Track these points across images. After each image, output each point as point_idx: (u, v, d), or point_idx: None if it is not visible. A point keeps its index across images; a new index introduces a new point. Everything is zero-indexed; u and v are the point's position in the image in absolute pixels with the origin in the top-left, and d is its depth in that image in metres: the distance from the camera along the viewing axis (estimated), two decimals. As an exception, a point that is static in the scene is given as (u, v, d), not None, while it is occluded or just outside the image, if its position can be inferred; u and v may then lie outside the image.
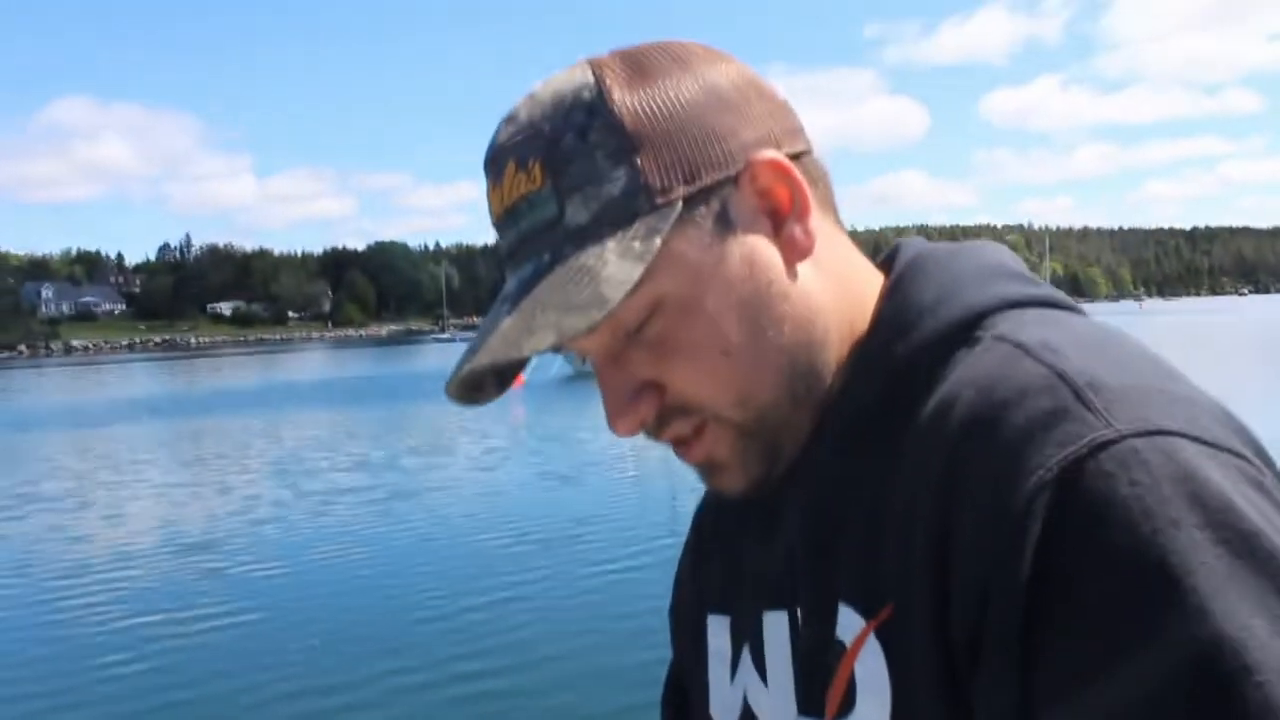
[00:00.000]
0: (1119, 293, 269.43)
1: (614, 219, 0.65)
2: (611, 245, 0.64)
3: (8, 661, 6.80)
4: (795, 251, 0.69)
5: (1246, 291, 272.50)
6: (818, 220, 0.71)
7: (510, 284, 0.68)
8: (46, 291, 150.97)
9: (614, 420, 0.69)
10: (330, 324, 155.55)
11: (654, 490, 11.41)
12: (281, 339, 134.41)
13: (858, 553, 0.67)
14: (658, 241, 0.64)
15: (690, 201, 0.66)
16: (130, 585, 8.51)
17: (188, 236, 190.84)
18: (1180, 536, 0.51)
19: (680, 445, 0.71)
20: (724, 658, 0.82)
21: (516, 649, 6.42)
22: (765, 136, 0.69)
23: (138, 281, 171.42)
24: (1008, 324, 0.67)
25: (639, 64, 0.68)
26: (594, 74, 0.68)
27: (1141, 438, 0.55)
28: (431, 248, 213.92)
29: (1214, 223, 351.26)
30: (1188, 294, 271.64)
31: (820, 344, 0.70)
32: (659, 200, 0.65)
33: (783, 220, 0.69)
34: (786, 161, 0.69)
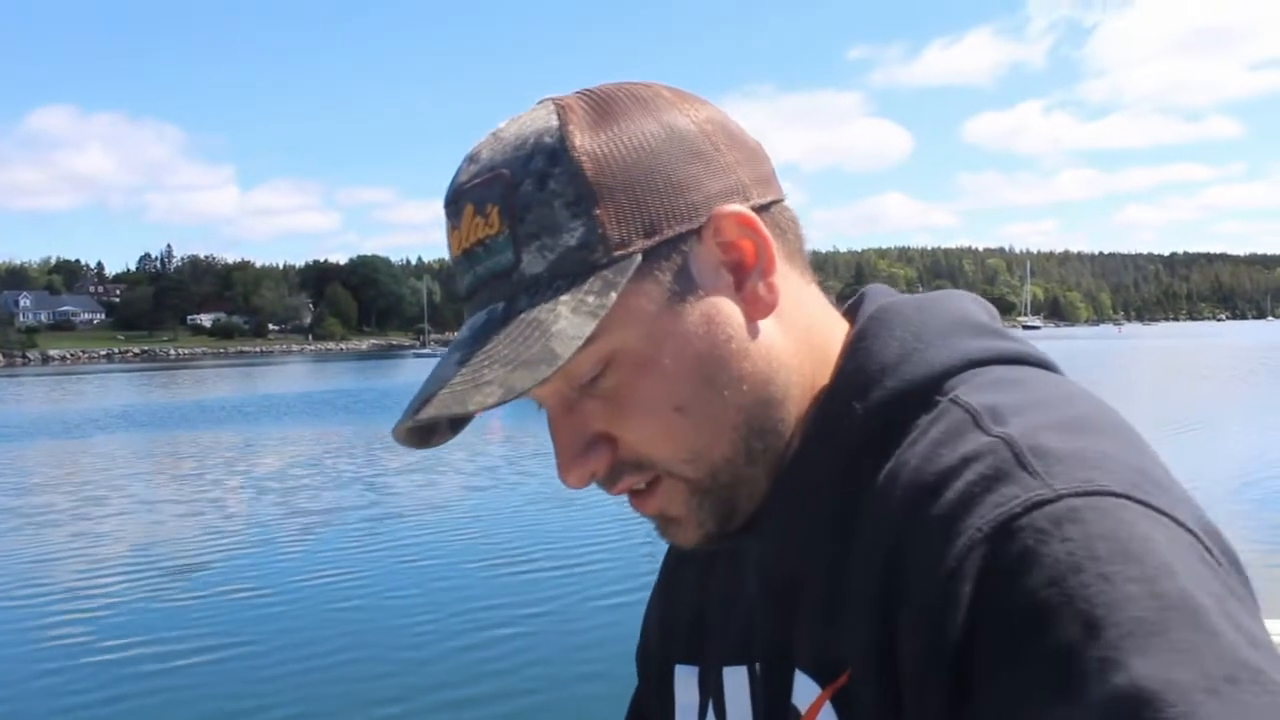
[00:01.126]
0: (1099, 317, 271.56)
1: (570, 271, 0.64)
2: (565, 299, 0.63)
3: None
4: (758, 308, 0.68)
5: (1224, 317, 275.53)
6: (784, 272, 0.70)
7: (464, 330, 0.67)
8: (24, 300, 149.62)
9: (565, 472, 0.68)
10: (311, 337, 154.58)
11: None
12: (261, 351, 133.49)
13: (815, 619, 0.67)
14: (613, 296, 0.63)
15: (650, 255, 0.65)
16: (99, 606, 8.41)
17: (169, 247, 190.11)
18: (1110, 590, 0.50)
19: (634, 497, 0.71)
20: (691, 711, 0.82)
21: (500, 674, 6.38)
22: (732, 187, 0.68)
23: (117, 292, 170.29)
24: (966, 386, 0.66)
25: (603, 107, 0.67)
26: (558, 117, 0.67)
27: (1080, 497, 0.54)
28: (414, 262, 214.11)
29: (1193, 249, 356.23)
30: (1166, 319, 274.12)
31: (779, 402, 0.69)
32: (617, 253, 0.64)
33: (746, 275, 0.68)
34: (752, 215, 0.67)
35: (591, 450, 0.68)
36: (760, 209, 0.69)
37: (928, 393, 0.67)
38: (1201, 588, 0.51)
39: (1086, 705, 0.48)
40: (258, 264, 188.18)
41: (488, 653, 6.79)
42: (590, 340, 0.63)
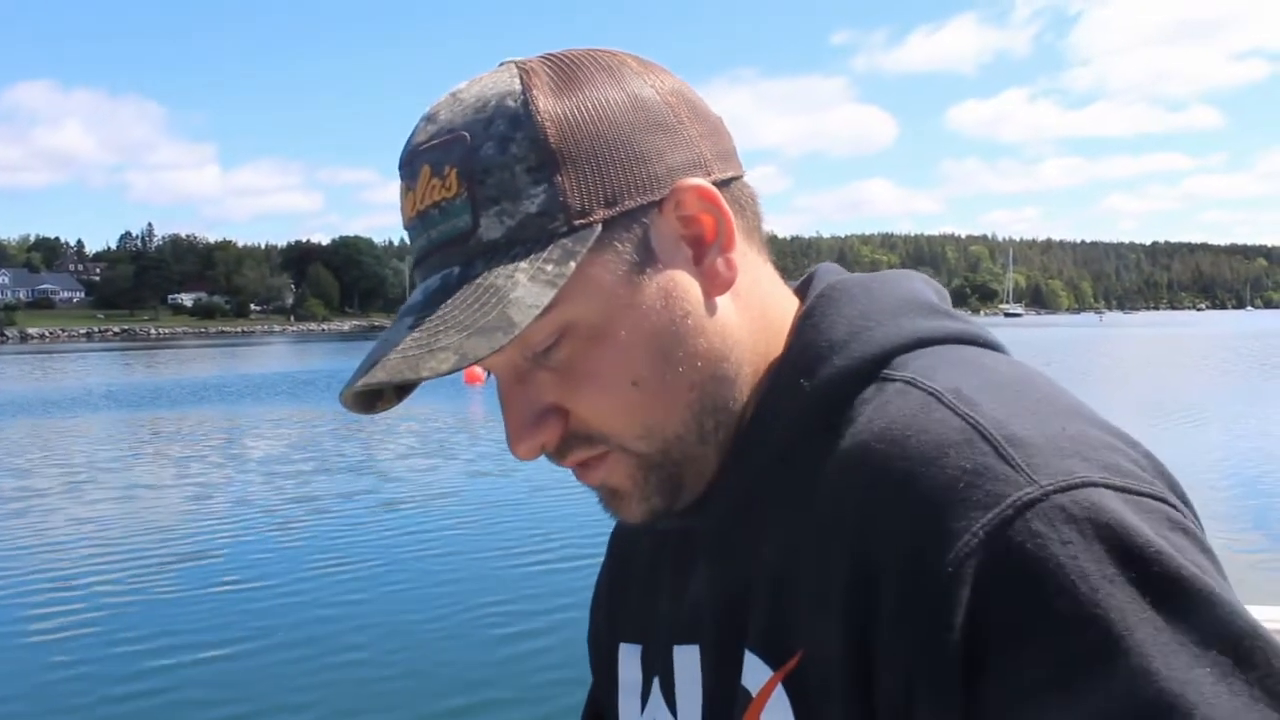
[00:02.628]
0: (1080, 306, 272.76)
1: (529, 238, 0.63)
2: (524, 266, 0.62)
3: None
4: (715, 283, 0.68)
5: (1204, 307, 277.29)
6: (742, 249, 0.70)
7: (416, 294, 0.66)
8: (3, 278, 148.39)
9: (514, 443, 0.67)
10: (293, 318, 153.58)
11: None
12: (243, 332, 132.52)
13: (765, 600, 0.66)
14: (572, 265, 0.62)
15: (610, 225, 0.64)
16: (86, 590, 8.34)
17: (150, 226, 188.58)
18: (1117, 594, 0.51)
19: (580, 468, 0.69)
20: (634, 689, 0.81)
21: (476, 655, 6.37)
22: (694, 160, 0.67)
23: (98, 270, 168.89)
24: (919, 364, 0.66)
25: (568, 73, 0.66)
26: (521, 81, 0.65)
27: (1065, 493, 0.54)
28: (397, 243, 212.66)
29: (1174, 238, 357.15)
30: (1147, 308, 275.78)
31: (732, 380, 0.69)
32: (577, 222, 0.63)
33: (705, 250, 0.67)
34: (713, 189, 0.66)
35: (542, 422, 0.66)
36: (721, 184, 0.68)
37: (876, 370, 0.67)
38: (1189, 560, 0.53)
39: (1113, 715, 0.48)
40: (240, 244, 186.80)
41: (487, 638, 6.75)
42: (547, 310, 0.61)
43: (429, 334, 0.61)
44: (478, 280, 0.62)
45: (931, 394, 0.62)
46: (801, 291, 0.77)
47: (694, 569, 0.75)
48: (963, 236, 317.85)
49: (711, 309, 0.67)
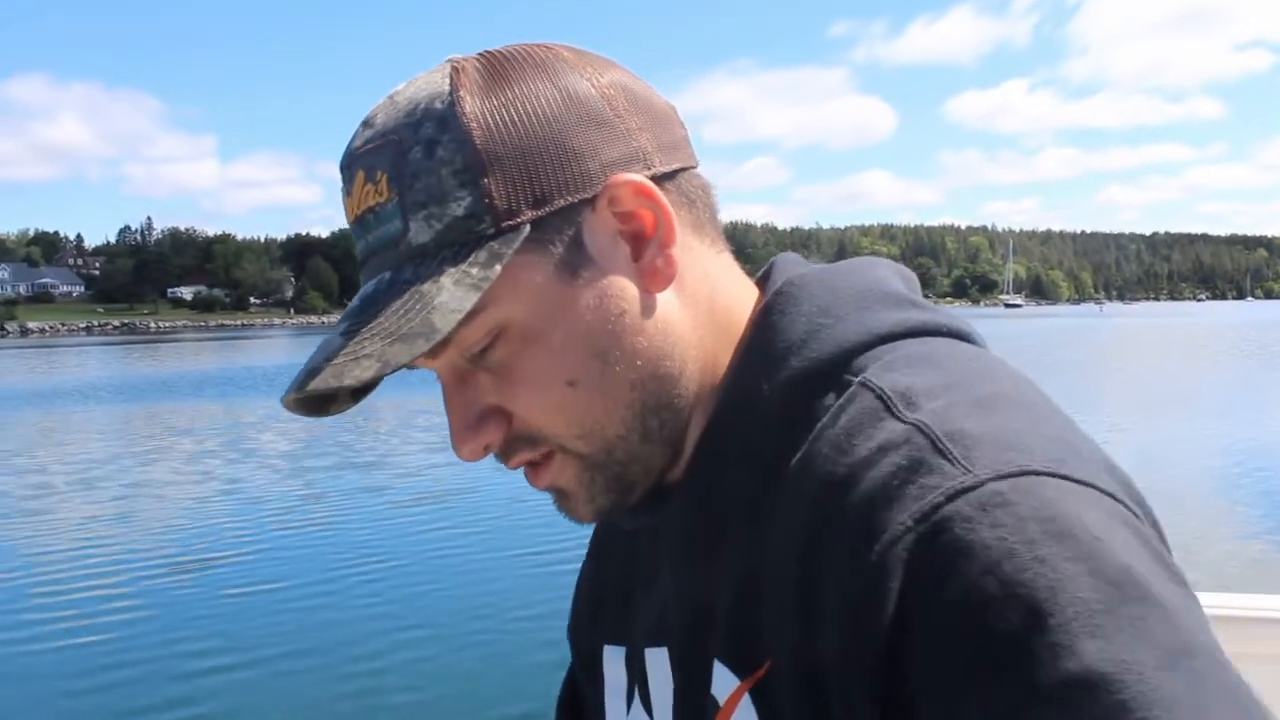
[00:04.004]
0: (1080, 296, 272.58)
1: (456, 241, 0.62)
2: (449, 270, 0.61)
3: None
4: (655, 280, 0.66)
5: (1204, 297, 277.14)
6: (689, 243, 0.69)
7: (354, 300, 0.66)
8: (3, 272, 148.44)
9: (457, 444, 0.67)
10: (292, 310, 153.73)
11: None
12: (242, 325, 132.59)
13: (730, 608, 0.66)
14: (497, 269, 0.61)
15: (539, 225, 0.63)
16: (94, 585, 8.32)
17: (149, 220, 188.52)
18: (1048, 573, 0.49)
19: (528, 471, 0.69)
20: (620, 690, 0.81)
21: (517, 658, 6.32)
22: (632, 154, 0.66)
23: (97, 264, 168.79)
24: (877, 365, 0.65)
25: (498, 70, 0.65)
26: (450, 81, 0.65)
27: (1003, 480, 0.53)
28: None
29: (1174, 229, 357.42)
30: (1147, 299, 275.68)
31: (676, 377, 0.68)
32: (504, 224, 0.62)
33: (644, 246, 0.66)
34: (648, 184, 0.65)
35: (483, 423, 0.66)
36: (664, 177, 0.67)
37: (836, 372, 0.65)
38: (1135, 558, 0.51)
39: (1040, 694, 0.47)
40: (239, 237, 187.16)
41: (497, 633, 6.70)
42: (476, 312, 0.61)
43: (358, 342, 0.61)
44: (406, 285, 0.62)
45: (880, 398, 0.61)
46: (762, 283, 0.75)
47: (660, 571, 0.75)
48: (962, 227, 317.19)
49: (650, 306, 0.66)
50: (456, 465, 13.04)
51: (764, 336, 0.68)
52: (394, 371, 0.60)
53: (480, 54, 0.67)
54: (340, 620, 6.85)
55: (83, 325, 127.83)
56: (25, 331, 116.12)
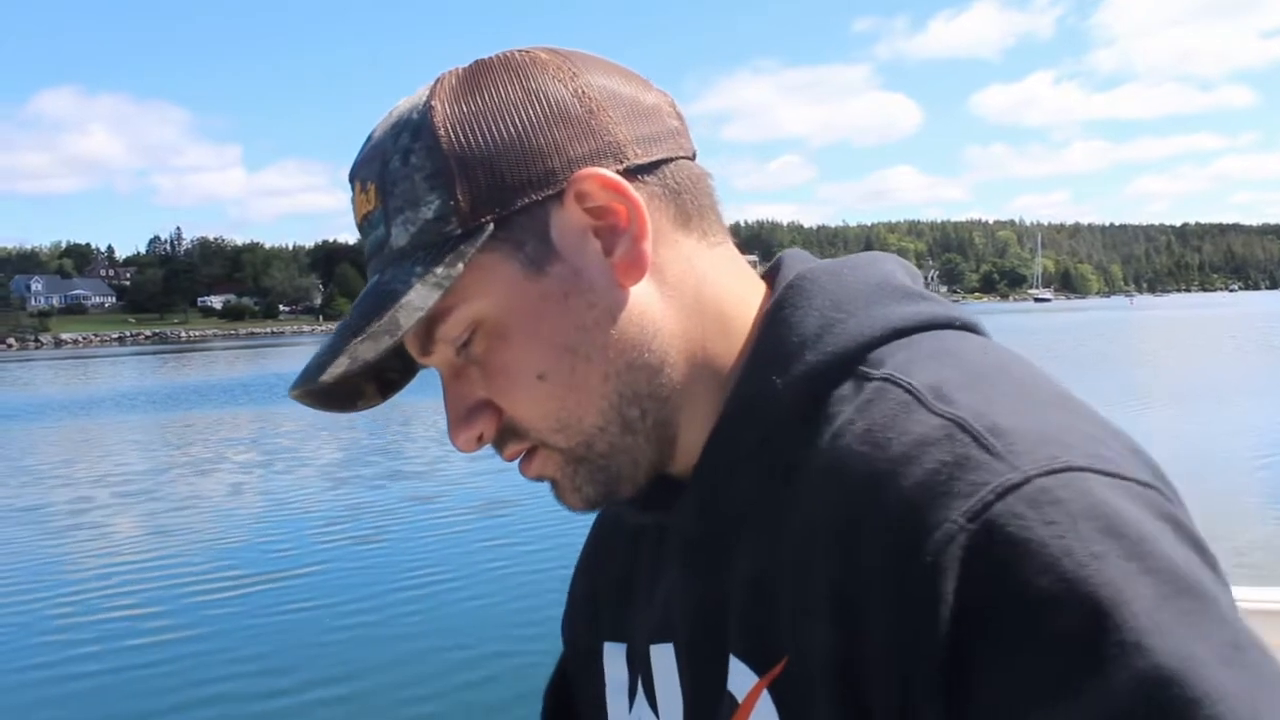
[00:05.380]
0: (1110, 289, 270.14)
1: (428, 243, 0.65)
2: (419, 271, 0.64)
3: None
4: (629, 273, 0.67)
5: (1236, 288, 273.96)
6: (670, 236, 0.69)
7: (354, 305, 0.69)
8: (36, 284, 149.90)
9: (451, 435, 0.69)
10: (321, 318, 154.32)
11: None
12: (272, 333, 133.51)
13: (744, 604, 0.66)
14: (460, 267, 0.64)
15: (506, 224, 0.65)
16: (139, 591, 8.36)
17: (178, 230, 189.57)
18: (1106, 570, 0.49)
19: (522, 461, 0.71)
20: (621, 688, 0.81)
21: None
22: (603, 149, 0.66)
23: (128, 275, 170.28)
24: (897, 359, 0.65)
25: (474, 77, 0.67)
26: (429, 91, 0.68)
27: (1048, 476, 0.53)
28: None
29: (1205, 219, 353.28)
30: (1178, 290, 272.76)
31: (655, 367, 0.68)
32: (470, 224, 0.65)
33: (616, 240, 0.67)
34: (614, 177, 0.66)
35: (474, 416, 0.69)
36: (643, 169, 0.68)
37: (851, 365, 0.65)
38: (1179, 551, 0.52)
39: (1111, 692, 0.47)
40: (267, 245, 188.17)
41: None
42: (449, 309, 0.65)
43: (342, 340, 0.64)
44: (383, 287, 0.65)
45: (910, 392, 0.61)
46: (769, 278, 0.75)
47: (666, 567, 0.75)
48: (990, 222, 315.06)
49: (622, 299, 0.67)
50: (506, 471, 13.05)
51: (776, 331, 0.68)
52: (361, 368, 0.63)
53: (470, 64, 0.69)
54: (386, 637, 6.63)
55: (115, 336, 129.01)
56: (59, 343, 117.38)
